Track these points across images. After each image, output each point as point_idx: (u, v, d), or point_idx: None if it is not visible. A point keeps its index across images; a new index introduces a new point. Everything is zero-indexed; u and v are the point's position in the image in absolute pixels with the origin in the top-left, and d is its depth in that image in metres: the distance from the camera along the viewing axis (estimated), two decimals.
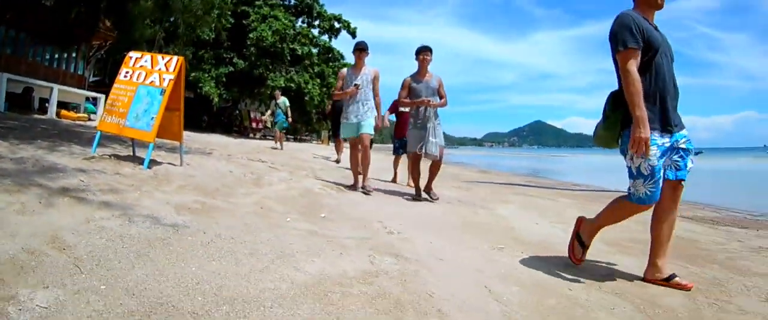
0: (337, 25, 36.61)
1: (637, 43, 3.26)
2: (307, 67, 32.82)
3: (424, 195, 7.28)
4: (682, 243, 4.95)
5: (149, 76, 6.07)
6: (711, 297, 3.19)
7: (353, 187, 7.43)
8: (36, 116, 15.47)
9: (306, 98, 31.33)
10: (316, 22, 36.41)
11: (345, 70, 7.81)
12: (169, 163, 6.29)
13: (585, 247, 3.80)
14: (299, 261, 2.93)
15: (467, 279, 3.09)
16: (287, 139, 30.29)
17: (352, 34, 36.85)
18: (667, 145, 3.34)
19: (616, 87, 3.48)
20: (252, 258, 2.88)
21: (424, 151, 6.90)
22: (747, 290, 3.44)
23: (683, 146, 3.42)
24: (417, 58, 7.29)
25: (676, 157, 3.42)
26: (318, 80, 33.54)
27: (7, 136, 6.92)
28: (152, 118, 5.76)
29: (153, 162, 5.87)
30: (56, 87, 18.79)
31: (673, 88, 3.41)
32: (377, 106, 7.68)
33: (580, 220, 3.93)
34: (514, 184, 13.07)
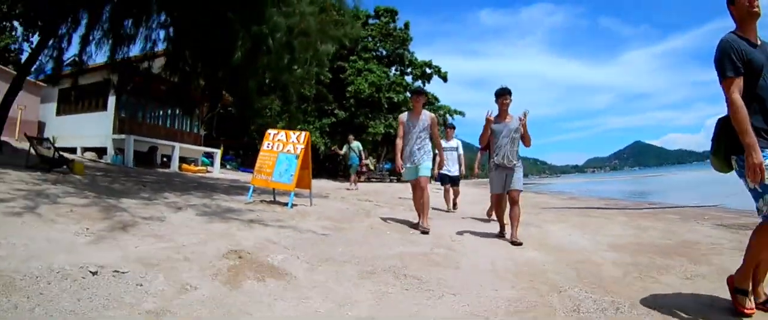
0: (428, 70, 39.38)
1: (735, 72, 3.41)
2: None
3: (507, 236, 7.38)
4: (673, 241, 6.81)
5: (286, 146, 9.13)
6: (644, 273, 4.86)
7: (417, 226, 7.86)
8: (160, 170, 18.74)
9: None
10: (409, 70, 39.24)
11: (404, 115, 8.28)
12: (303, 205, 9.16)
13: (747, 294, 3.70)
14: (391, 247, 5.61)
15: (484, 259, 5.49)
16: (390, 180, 32.99)
17: (444, 78, 39.65)
18: None
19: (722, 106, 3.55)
20: (367, 246, 5.58)
21: (509, 186, 7.21)
22: (683, 273, 4.85)
23: None
24: (496, 102, 7.50)
25: None
26: None
27: (163, 188, 9.94)
28: (291, 175, 8.77)
29: (293, 204, 8.71)
30: (178, 145, 22.44)
31: None
32: (438, 148, 8.48)
33: (730, 279, 3.89)
34: (590, 208, 14.28)
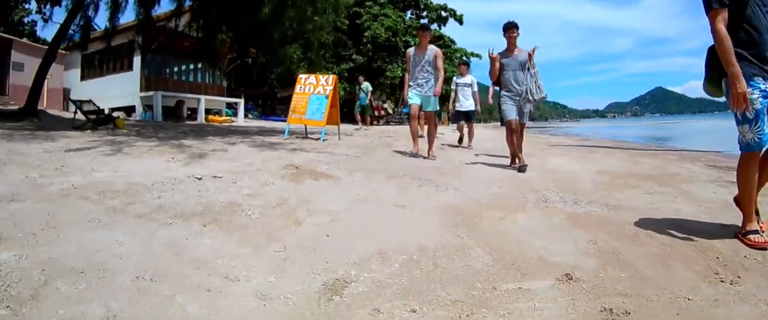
0: (444, 14, 40.01)
1: (720, 4, 3.55)
2: None
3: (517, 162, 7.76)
4: (657, 172, 7.91)
5: (316, 88, 10.61)
6: (613, 187, 5.99)
7: (414, 155, 8.59)
8: (188, 122, 20.11)
9: None
10: (424, 14, 39.95)
11: (411, 49, 8.78)
12: (332, 139, 10.72)
13: (759, 232, 3.73)
14: (409, 163, 7.20)
15: (484, 173, 6.99)
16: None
17: (459, 21, 40.33)
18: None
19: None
20: (389, 163, 7.17)
21: (522, 117, 7.76)
22: (646, 190, 5.86)
23: None
24: (504, 36, 7.81)
25: None
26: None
27: (203, 135, 11.18)
28: (322, 113, 10.30)
29: (325, 139, 10.30)
30: (203, 98, 23.73)
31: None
32: (440, 79, 8.56)
33: (738, 235, 3.88)
34: (597, 146, 15.20)
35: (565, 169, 7.89)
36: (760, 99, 3.49)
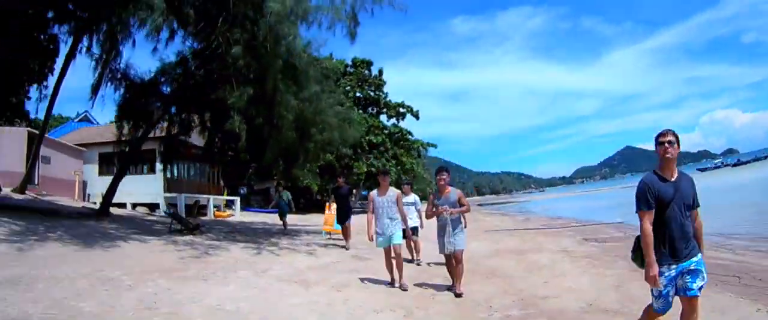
0: (402, 110, 49.63)
1: (647, 207, 4.72)
2: (382, 152, 45.21)
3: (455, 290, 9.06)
4: (527, 247, 15.98)
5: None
6: (488, 256, 15.06)
7: (391, 284, 10.01)
8: (206, 218, 27.10)
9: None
10: (384, 110, 49.35)
11: (374, 192, 9.78)
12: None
13: None
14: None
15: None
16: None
17: (416, 116, 50.31)
18: (673, 274, 4.74)
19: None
20: (359, 239, 14.50)
21: (446, 250, 8.89)
22: (503, 256, 14.08)
23: (693, 268, 4.74)
24: (435, 179, 8.97)
25: (686, 279, 4.73)
26: (393, 161, 45.81)
27: (253, 236, 19.84)
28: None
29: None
30: (212, 197, 31.12)
31: (681, 232, 4.75)
32: (403, 218, 9.67)
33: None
34: (521, 229, 23.18)
35: (471, 248, 13.33)
36: (665, 283, 4.81)
